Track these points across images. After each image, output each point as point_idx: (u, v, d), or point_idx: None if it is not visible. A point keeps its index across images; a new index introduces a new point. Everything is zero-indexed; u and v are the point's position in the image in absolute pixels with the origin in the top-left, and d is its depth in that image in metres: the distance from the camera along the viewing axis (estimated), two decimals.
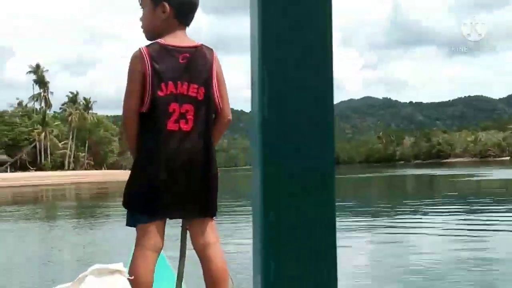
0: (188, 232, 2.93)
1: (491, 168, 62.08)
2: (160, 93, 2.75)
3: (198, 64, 2.83)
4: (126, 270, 2.80)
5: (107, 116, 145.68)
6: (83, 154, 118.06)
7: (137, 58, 2.79)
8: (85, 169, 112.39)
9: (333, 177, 0.62)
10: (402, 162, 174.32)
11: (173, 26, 2.88)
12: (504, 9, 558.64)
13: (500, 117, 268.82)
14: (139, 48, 2.80)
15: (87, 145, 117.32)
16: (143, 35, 2.97)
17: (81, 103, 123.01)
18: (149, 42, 2.90)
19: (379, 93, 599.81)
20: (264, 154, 0.62)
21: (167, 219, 2.86)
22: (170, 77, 2.77)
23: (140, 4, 2.97)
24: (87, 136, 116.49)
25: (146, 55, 2.76)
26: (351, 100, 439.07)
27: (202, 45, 2.90)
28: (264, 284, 0.62)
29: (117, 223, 16.21)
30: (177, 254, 3.01)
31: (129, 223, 2.85)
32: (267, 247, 0.61)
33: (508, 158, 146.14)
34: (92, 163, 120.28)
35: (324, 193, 0.62)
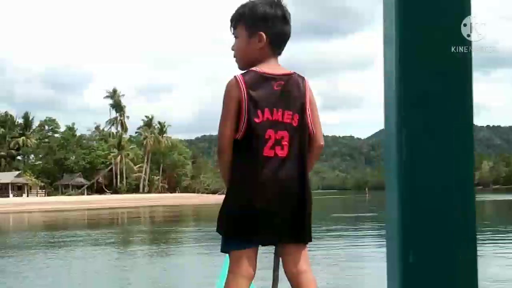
0: (280, 259, 2.97)
1: None
2: (256, 120, 2.81)
3: (292, 91, 2.90)
4: None
5: (181, 140, 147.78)
6: (158, 177, 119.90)
7: (233, 86, 2.85)
8: (159, 192, 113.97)
9: (473, 214, 0.63)
10: (480, 187, 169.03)
11: (267, 55, 2.96)
12: None
13: None
14: (235, 76, 2.88)
15: (161, 168, 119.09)
16: (234, 64, 3.07)
17: (156, 127, 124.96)
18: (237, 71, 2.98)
19: None
20: (402, 194, 0.64)
21: (260, 246, 2.90)
22: (266, 104, 2.84)
23: (234, 34, 3.05)
24: (162, 160, 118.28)
25: (242, 83, 2.83)
26: None
27: (294, 73, 2.96)
28: None
29: (190, 249, 15.86)
30: (265, 282, 3.02)
31: (223, 249, 2.91)
32: (404, 273, 0.62)
33: None
34: (166, 186, 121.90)
35: (464, 206, 0.63)
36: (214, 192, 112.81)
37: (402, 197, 0.65)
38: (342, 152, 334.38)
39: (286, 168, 2.81)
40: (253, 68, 2.90)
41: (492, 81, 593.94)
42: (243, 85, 2.83)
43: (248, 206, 2.79)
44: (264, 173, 2.79)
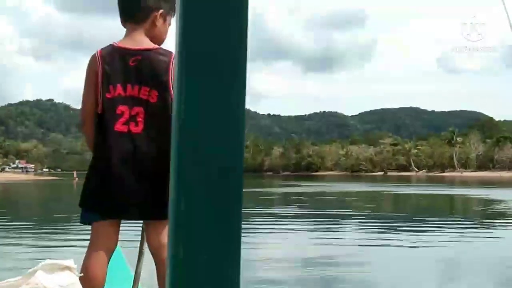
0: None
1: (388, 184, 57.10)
2: (108, 95, 2.83)
3: (151, 67, 2.85)
4: (76, 267, 2.87)
5: None
6: None
7: (91, 60, 2.89)
8: None
9: (241, 179, 0.64)
10: (270, 172, 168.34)
11: (127, 28, 2.97)
12: (358, 30, 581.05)
13: (351, 133, 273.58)
14: (96, 50, 2.91)
15: None
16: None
17: None
18: None
19: None
20: (179, 156, 0.66)
21: (126, 219, 2.95)
22: (119, 79, 2.84)
23: None
24: None
25: (99, 57, 2.86)
26: None
27: (159, 48, 2.93)
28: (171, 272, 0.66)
29: None
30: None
31: (82, 221, 2.96)
32: None
33: (381, 173, 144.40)
34: None
35: (232, 193, 0.64)
36: None
37: (175, 186, 0.67)
38: None
39: (139, 144, 2.79)
40: (113, 42, 2.92)
41: (272, 73, 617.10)
42: (100, 60, 2.84)
43: (104, 180, 2.82)
44: (115, 149, 2.80)
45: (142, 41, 2.89)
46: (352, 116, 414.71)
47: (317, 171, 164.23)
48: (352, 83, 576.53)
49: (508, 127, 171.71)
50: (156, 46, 2.90)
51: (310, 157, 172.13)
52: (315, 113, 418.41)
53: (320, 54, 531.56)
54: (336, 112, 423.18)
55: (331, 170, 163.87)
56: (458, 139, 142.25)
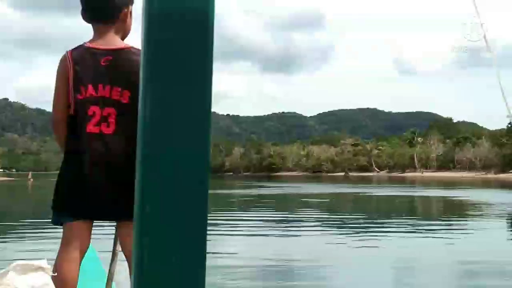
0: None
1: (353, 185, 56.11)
2: (79, 96, 2.78)
3: (122, 67, 2.80)
4: (50, 267, 2.88)
5: None
6: None
7: (62, 62, 2.83)
8: None
9: (207, 182, 0.65)
10: (231, 173, 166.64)
11: (95, 28, 2.89)
12: (318, 31, 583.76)
13: (310, 134, 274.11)
14: (66, 51, 2.84)
15: None
16: None
17: None
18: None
19: None
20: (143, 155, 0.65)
21: (98, 220, 2.91)
22: (90, 80, 2.78)
23: None
24: None
25: (70, 58, 2.80)
26: None
27: (131, 47, 2.87)
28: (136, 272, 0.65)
29: None
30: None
31: (55, 222, 2.90)
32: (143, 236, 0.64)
33: (342, 173, 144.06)
34: None
35: (197, 197, 0.64)
36: None
37: (140, 190, 0.66)
38: None
39: (111, 146, 2.75)
40: (84, 42, 2.85)
41: (232, 73, 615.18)
42: (70, 60, 2.78)
43: (76, 181, 2.78)
44: (87, 150, 2.75)
45: (113, 41, 2.85)
46: (310, 116, 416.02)
47: (278, 171, 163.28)
48: (310, 84, 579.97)
49: (467, 128, 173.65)
50: (129, 45, 2.86)
51: (271, 158, 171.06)
52: (274, 114, 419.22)
53: (279, 55, 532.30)
54: (295, 112, 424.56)
55: (292, 170, 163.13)
56: (418, 139, 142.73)
